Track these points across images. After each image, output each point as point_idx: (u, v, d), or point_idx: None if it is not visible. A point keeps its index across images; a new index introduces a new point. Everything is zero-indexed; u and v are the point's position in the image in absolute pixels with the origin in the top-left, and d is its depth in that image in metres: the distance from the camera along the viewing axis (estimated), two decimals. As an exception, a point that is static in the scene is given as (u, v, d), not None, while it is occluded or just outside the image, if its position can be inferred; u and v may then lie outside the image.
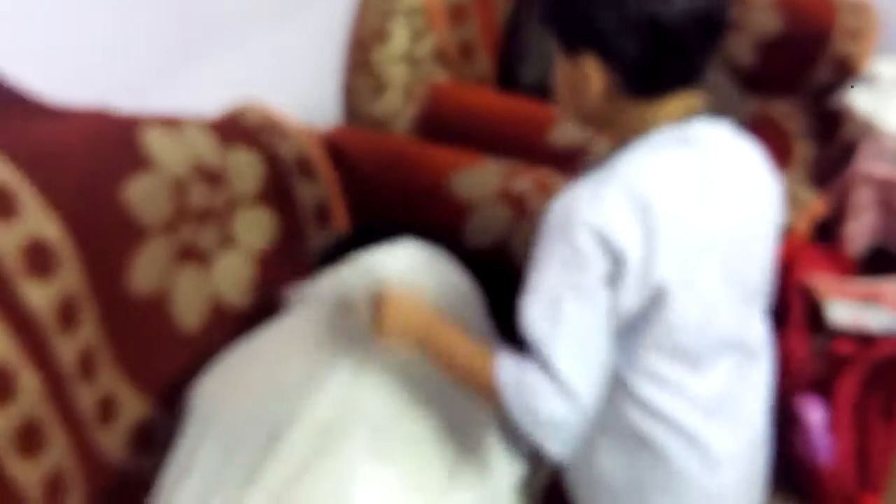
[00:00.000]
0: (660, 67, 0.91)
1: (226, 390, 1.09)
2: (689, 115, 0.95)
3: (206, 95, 1.45)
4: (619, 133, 0.97)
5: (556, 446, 0.94)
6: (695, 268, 0.92)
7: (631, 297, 0.90)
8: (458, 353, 0.99)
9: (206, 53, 1.44)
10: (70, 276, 1.04)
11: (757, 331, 1.06)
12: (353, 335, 1.10)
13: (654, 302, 0.92)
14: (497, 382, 0.93)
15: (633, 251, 0.89)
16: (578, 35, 0.93)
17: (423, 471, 1.04)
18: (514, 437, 1.14)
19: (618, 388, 0.97)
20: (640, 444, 0.99)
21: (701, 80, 0.95)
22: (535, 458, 1.15)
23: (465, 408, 1.11)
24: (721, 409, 1.00)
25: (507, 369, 0.93)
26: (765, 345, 1.07)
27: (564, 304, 0.90)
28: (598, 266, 0.89)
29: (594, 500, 1.07)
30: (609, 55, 0.91)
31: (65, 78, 1.18)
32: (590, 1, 0.89)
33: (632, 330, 0.94)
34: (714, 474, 1.00)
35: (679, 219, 0.91)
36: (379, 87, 1.75)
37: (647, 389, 0.96)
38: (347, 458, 1.00)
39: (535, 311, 0.92)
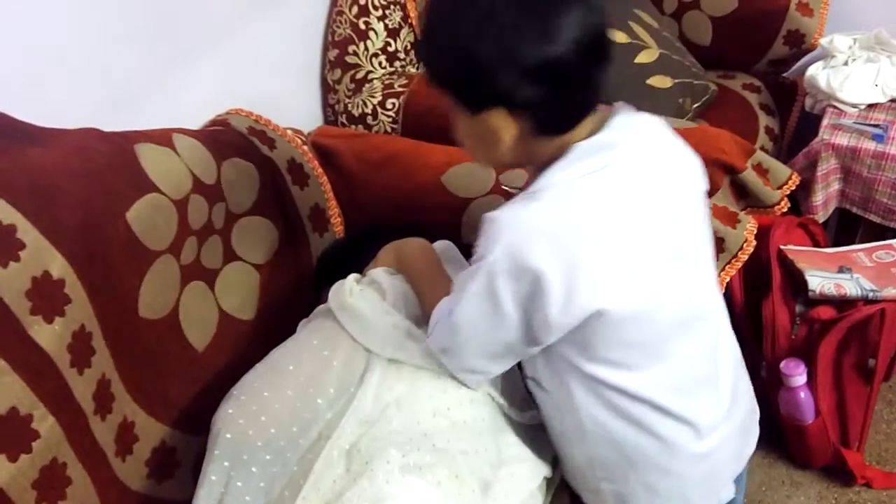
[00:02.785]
0: (568, 103, 0.87)
1: (250, 419, 0.99)
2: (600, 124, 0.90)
3: (188, 103, 1.35)
4: (538, 164, 0.92)
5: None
6: (632, 274, 0.88)
7: (559, 314, 0.86)
8: (427, 279, 1.10)
9: (185, 62, 1.34)
10: (79, 311, 0.94)
11: (711, 296, 1.02)
12: (370, 347, 1.04)
13: (595, 317, 0.87)
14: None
15: (550, 273, 0.84)
16: (480, 96, 0.87)
17: (457, 484, 0.98)
18: (538, 440, 1.10)
19: (588, 381, 0.94)
20: (627, 424, 0.96)
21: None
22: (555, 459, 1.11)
23: (491, 416, 1.06)
24: (701, 383, 0.98)
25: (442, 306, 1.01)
26: (721, 306, 1.04)
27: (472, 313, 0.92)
28: (513, 285, 0.86)
29: (592, 482, 1.04)
30: (516, 107, 0.86)
31: (46, 99, 1.08)
32: (484, 61, 0.83)
33: (585, 330, 0.89)
34: (702, 441, 0.98)
35: (606, 233, 0.87)
36: (359, 83, 1.66)
37: (619, 379, 0.93)
38: (381, 477, 0.94)
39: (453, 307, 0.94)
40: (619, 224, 0.88)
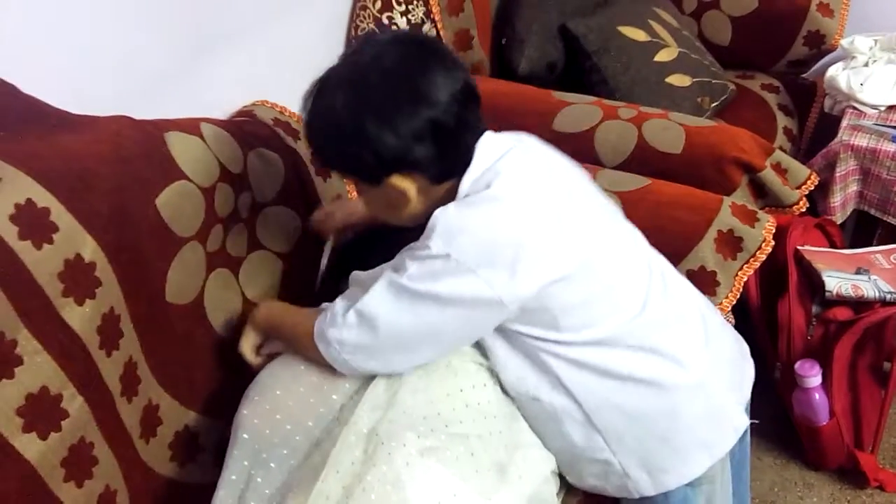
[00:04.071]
0: (457, 149, 0.96)
1: (265, 418, 1.01)
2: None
3: (214, 94, 1.37)
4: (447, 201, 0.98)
5: (337, 362, 0.99)
6: (566, 241, 0.96)
7: (507, 287, 0.92)
8: (292, 319, 1.07)
9: (212, 53, 1.35)
10: (109, 294, 0.96)
11: (641, 250, 1.09)
12: None
13: (547, 285, 0.94)
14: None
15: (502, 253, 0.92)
16: (378, 170, 0.95)
17: (474, 468, 0.99)
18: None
19: (565, 350, 0.99)
20: (616, 380, 1.00)
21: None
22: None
23: (502, 401, 1.07)
24: (662, 318, 1.03)
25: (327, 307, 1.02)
26: (656, 256, 1.12)
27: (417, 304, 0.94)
28: (454, 268, 0.91)
29: (616, 467, 1.05)
30: (412, 168, 0.95)
31: (78, 87, 1.10)
32: (371, 139, 0.92)
33: (542, 304, 0.96)
34: (687, 371, 1.02)
35: (535, 215, 0.95)
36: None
37: (589, 334, 0.99)
38: (399, 460, 0.95)
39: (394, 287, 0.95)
40: (541, 206, 0.97)
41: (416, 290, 0.93)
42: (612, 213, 1.10)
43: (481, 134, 0.99)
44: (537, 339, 0.99)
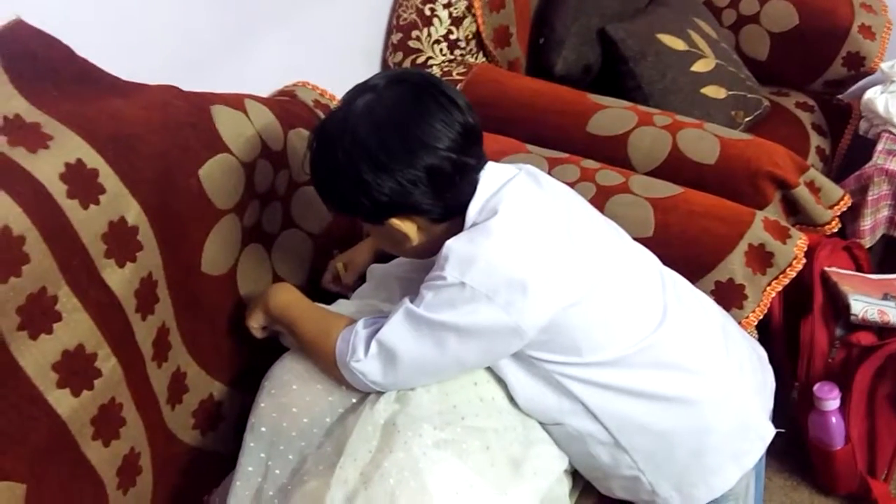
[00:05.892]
0: (455, 191, 0.98)
1: (282, 411, 1.03)
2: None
3: (256, 73, 1.40)
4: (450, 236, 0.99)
5: (361, 387, 1.01)
6: (574, 266, 0.98)
7: (524, 315, 0.94)
8: (312, 325, 1.06)
9: (257, 33, 1.39)
10: (149, 259, 0.99)
11: (644, 263, 1.11)
12: None
13: (560, 312, 0.96)
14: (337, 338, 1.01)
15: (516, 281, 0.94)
16: (377, 213, 0.99)
17: (489, 462, 1.00)
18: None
19: (587, 372, 1.00)
20: (639, 400, 1.02)
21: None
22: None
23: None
24: (677, 330, 1.04)
25: (348, 329, 1.02)
26: (659, 267, 1.13)
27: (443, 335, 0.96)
28: (471, 296, 0.93)
29: (645, 485, 1.06)
30: (410, 212, 0.98)
31: (127, 57, 1.13)
32: (368, 187, 0.95)
33: (561, 328, 0.98)
34: (710, 383, 1.04)
35: (542, 245, 0.97)
36: (418, 68, 1.70)
37: (608, 354, 1.00)
38: (416, 450, 0.97)
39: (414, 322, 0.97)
40: (550, 230, 0.99)
41: (432, 319, 0.95)
42: (617, 230, 1.12)
43: (481, 170, 1.01)
44: (559, 363, 1.00)
